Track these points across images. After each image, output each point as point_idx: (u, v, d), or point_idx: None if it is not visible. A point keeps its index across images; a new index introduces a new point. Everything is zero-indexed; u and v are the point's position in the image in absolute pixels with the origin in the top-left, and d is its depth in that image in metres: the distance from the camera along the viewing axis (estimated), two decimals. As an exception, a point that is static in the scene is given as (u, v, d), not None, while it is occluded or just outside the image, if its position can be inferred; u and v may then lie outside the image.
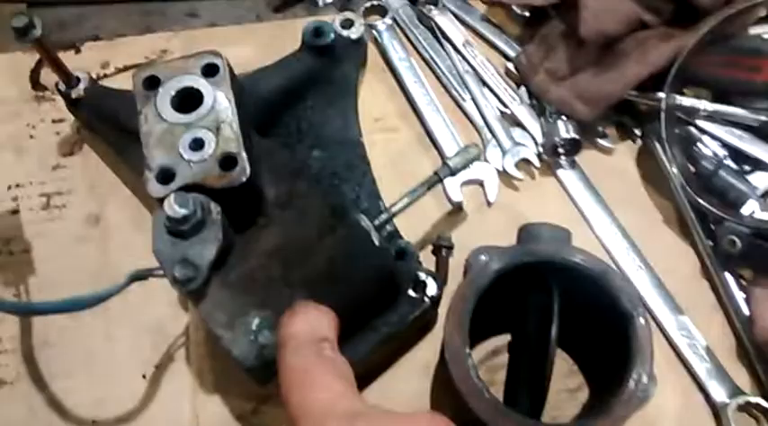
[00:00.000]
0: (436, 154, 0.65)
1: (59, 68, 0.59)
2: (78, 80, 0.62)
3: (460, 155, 0.55)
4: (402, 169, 0.64)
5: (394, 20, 0.69)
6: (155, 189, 0.48)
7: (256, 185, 0.50)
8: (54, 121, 0.67)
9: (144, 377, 0.57)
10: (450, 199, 0.62)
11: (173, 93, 0.51)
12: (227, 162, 0.49)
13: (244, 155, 0.49)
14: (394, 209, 0.53)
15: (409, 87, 0.66)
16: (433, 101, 0.66)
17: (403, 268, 0.54)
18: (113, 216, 0.63)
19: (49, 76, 0.69)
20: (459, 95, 0.66)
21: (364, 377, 0.55)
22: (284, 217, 0.50)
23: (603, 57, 0.61)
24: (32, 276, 0.61)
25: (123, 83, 0.64)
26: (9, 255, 0.61)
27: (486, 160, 0.63)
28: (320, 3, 0.72)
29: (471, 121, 0.66)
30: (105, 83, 0.66)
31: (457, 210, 0.62)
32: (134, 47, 0.70)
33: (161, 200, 0.48)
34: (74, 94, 0.61)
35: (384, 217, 0.52)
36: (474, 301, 0.49)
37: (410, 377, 0.57)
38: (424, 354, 0.58)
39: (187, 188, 0.48)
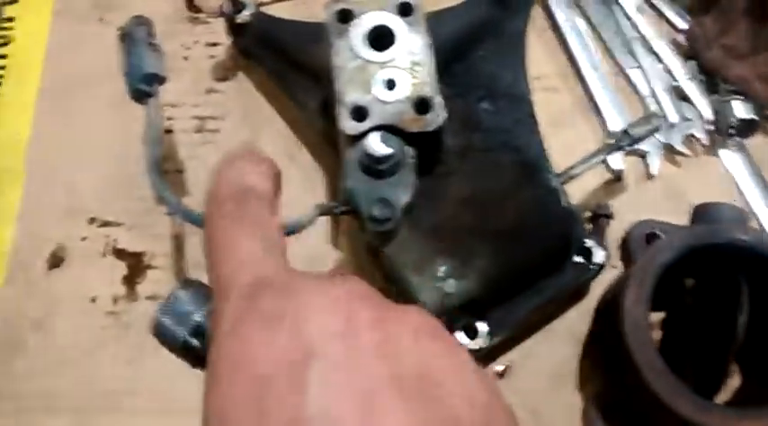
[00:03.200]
0: (596, 119, 0.63)
1: (234, -9, 0.59)
2: (244, 5, 0.61)
3: (642, 125, 0.54)
4: (561, 131, 0.62)
5: (561, -23, 0.67)
6: (349, 125, 0.47)
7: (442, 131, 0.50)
8: (208, 45, 0.66)
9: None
10: (610, 168, 0.60)
11: (367, 29, 0.50)
12: (422, 105, 0.48)
13: (439, 99, 0.48)
14: (572, 172, 0.52)
15: (573, 49, 0.64)
16: (597, 65, 0.64)
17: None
18: (267, 146, 0.62)
19: (203, -2, 0.69)
20: (626, 62, 0.64)
21: (513, 339, 0.55)
22: (468, 167, 0.50)
23: (793, 37, 0.58)
24: (185, 196, 0.61)
25: (280, 12, 0.64)
26: (163, 174, 0.62)
27: (650, 131, 0.61)
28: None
29: (636, 90, 0.63)
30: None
31: (616, 180, 0.60)
32: (288, -23, 0.69)
33: (354, 138, 0.47)
34: (239, 19, 0.60)
35: (563, 179, 0.51)
36: (658, 275, 0.48)
37: (557, 344, 0.56)
38: (572, 322, 0.57)
39: (379, 128, 0.47)
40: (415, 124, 0.47)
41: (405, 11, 0.50)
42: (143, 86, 0.52)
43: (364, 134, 0.47)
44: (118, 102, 0.64)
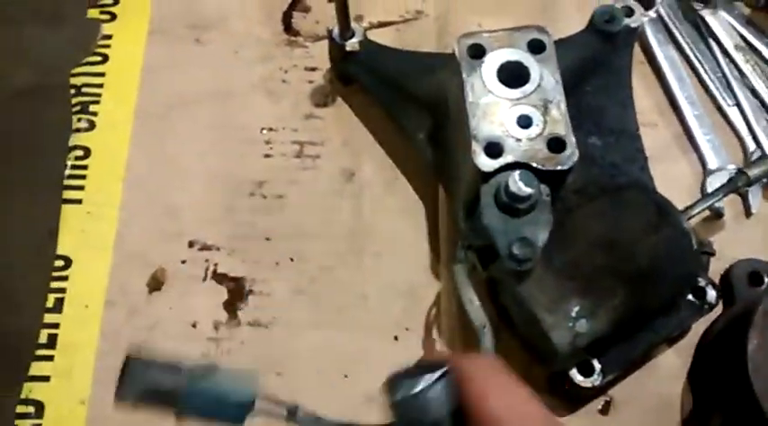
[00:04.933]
0: (694, 155, 0.63)
1: (345, 18, 0.59)
2: (353, 33, 0.61)
3: (759, 166, 0.54)
4: (658, 167, 0.62)
5: (657, 12, 0.68)
6: (483, 162, 0.47)
7: (569, 169, 0.50)
8: (307, 69, 0.66)
9: (396, 338, 0.57)
10: (711, 205, 0.60)
11: (498, 65, 0.50)
12: (556, 143, 0.48)
13: (572, 138, 0.48)
14: (692, 212, 0.52)
15: (671, 84, 0.65)
16: (695, 101, 0.64)
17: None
18: (367, 173, 0.62)
19: (299, 22, 0.69)
20: (724, 99, 0.64)
21: (619, 376, 0.55)
22: (595, 205, 0.50)
23: None
24: (284, 222, 0.61)
25: (377, 38, 0.64)
26: (262, 198, 0.61)
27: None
28: (577, -17, 0.70)
29: (733, 128, 0.64)
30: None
31: (716, 217, 0.61)
32: (388, 3, 0.69)
33: (488, 174, 0.47)
34: (348, 47, 0.60)
35: (685, 218, 0.52)
36: (780, 317, 0.48)
37: (658, 379, 0.56)
38: (672, 358, 0.57)
39: (513, 165, 0.47)
40: (549, 162, 0.47)
41: (536, 48, 0.50)
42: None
43: (498, 171, 0.47)
44: (216, 124, 0.64)
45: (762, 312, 0.49)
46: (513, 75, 0.50)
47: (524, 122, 0.48)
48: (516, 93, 0.49)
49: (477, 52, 0.50)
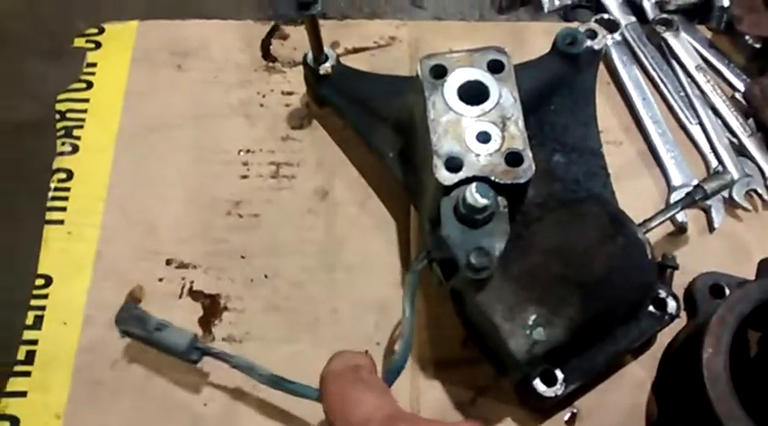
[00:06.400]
0: (659, 172, 0.65)
1: (318, 44, 0.61)
2: (327, 57, 0.63)
3: (715, 181, 0.56)
4: (623, 183, 0.63)
5: (622, 35, 0.70)
6: (444, 176, 0.49)
7: (528, 183, 0.52)
8: (284, 93, 0.69)
9: (367, 352, 0.58)
10: (674, 220, 0.62)
11: (459, 84, 0.52)
12: (514, 158, 0.50)
13: (529, 153, 0.50)
14: (650, 225, 0.54)
15: (636, 103, 0.67)
16: (660, 120, 0.67)
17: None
18: (340, 192, 0.64)
19: (277, 48, 0.72)
20: (687, 118, 0.66)
21: (583, 386, 0.56)
22: (553, 217, 0.52)
23: None
24: (259, 240, 0.62)
25: (352, 63, 0.66)
26: (238, 217, 0.63)
27: (712, 186, 0.64)
28: (545, 9, 0.73)
29: (696, 146, 0.66)
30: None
31: (679, 232, 0.62)
32: (363, 30, 0.72)
33: (448, 188, 0.49)
34: (322, 71, 0.63)
35: (642, 230, 0.53)
36: (735, 326, 0.49)
37: (623, 391, 0.57)
38: (637, 370, 0.58)
39: (472, 179, 0.49)
40: (506, 176, 0.49)
41: (495, 68, 0.52)
42: (193, 356, 0.54)
43: (457, 185, 0.49)
44: (195, 146, 0.67)
45: (716, 321, 0.50)
46: (473, 94, 0.52)
47: (483, 138, 0.50)
48: (476, 110, 0.51)
49: (439, 72, 0.53)
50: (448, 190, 0.49)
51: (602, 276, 0.49)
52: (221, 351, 0.54)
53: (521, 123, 0.51)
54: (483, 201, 0.46)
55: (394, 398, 0.44)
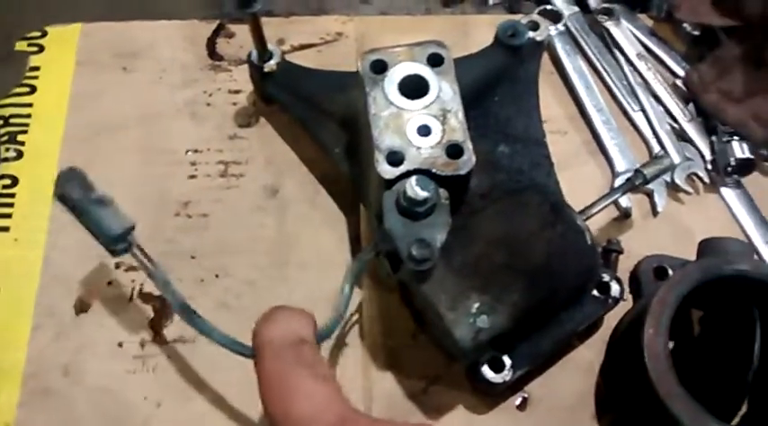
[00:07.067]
0: (603, 160, 0.67)
1: (261, 41, 0.61)
2: (271, 55, 0.63)
3: (654, 165, 0.57)
4: (569, 172, 0.64)
5: (565, 25, 0.71)
6: (385, 170, 0.50)
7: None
8: (230, 92, 0.68)
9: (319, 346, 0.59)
10: (618, 205, 0.63)
11: (400, 78, 0.53)
12: (454, 150, 0.50)
13: (469, 145, 0.51)
14: (591, 211, 0.55)
15: (579, 92, 0.68)
16: (603, 108, 0.68)
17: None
18: (290, 189, 0.64)
19: (223, 47, 0.71)
20: (630, 105, 0.68)
21: (532, 371, 0.57)
22: (496, 207, 0.52)
23: (785, 82, 0.63)
24: (209, 240, 0.62)
25: (299, 60, 0.67)
26: (187, 218, 0.63)
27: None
28: (490, 1, 0.74)
29: (639, 132, 0.67)
30: (282, 59, 0.68)
31: (624, 217, 0.64)
32: (309, 26, 0.72)
33: (390, 182, 0.50)
34: (266, 68, 0.63)
35: (583, 217, 0.54)
36: (675, 306, 0.51)
37: (573, 375, 0.58)
38: (586, 354, 0.59)
39: (414, 172, 0.50)
40: (447, 168, 0.50)
41: (435, 61, 0.53)
42: (119, 246, 0.50)
43: (399, 178, 0.49)
44: (142, 148, 0.66)
45: (656, 302, 0.51)
46: (414, 88, 0.53)
47: (424, 131, 0.51)
48: (416, 104, 0.52)
49: (380, 67, 0.53)
50: (390, 183, 0.50)
51: (544, 263, 0.50)
52: (147, 254, 0.51)
53: (461, 115, 0.51)
54: (423, 194, 0.47)
55: (340, 387, 0.39)
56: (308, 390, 0.37)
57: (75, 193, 0.49)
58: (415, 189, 0.47)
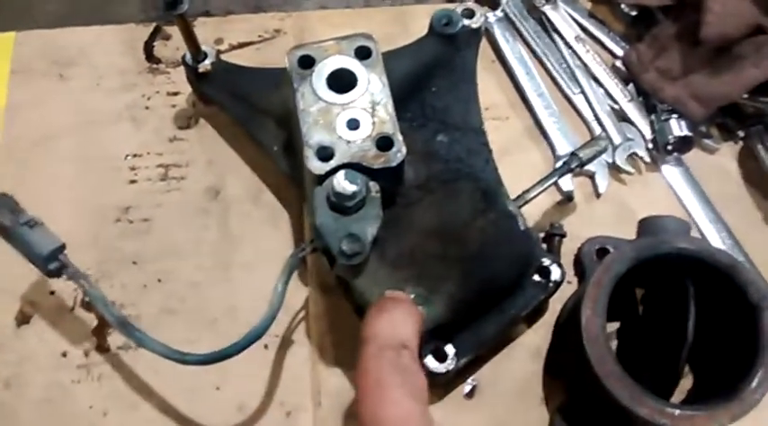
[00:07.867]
0: (545, 144, 0.67)
1: (193, 42, 0.60)
2: (205, 55, 0.62)
3: (590, 147, 0.57)
4: (511, 158, 0.65)
5: (503, 12, 0.71)
6: (315, 165, 0.49)
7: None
8: (169, 94, 0.68)
9: (266, 347, 0.58)
10: (560, 189, 0.64)
11: (328, 73, 0.52)
12: (384, 142, 0.50)
13: (399, 136, 0.50)
14: (527, 196, 0.55)
15: (520, 79, 0.68)
16: (544, 93, 0.68)
17: (530, 253, 0.56)
18: (232, 190, 0.64)
19: (161, 49, 0.70)
20: (570, 89, 0.68)
21: (479, 359, 0.57)
22: (430, 197, 0.52)
23: (719, 58, 0.63)
24: (151, 244, 0.62)
25: (238, 59, 0.66)
26: (128, 224, 0.62)
27: (596, 153, 0.65)
28: (428, -9, 0.73)
29: (580, 115, 0.67)
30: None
31: (567, 200, 0.64)
32: (247, 24, 0.71)
33: (321, 177, 0.49)
34: (201, 69, 0.62)
35: (519, 202, 0.54)
36: (611, 287, 0.51)
37: (521, 360, 0.59)
38: (534, 339, 0.59)
39: (344, 166, 0.49)
40: (378, 161, 0.50)
41: (363, 54, 0.53)
42: (51, 266, 0.52)
43: (330, 173, 0.49)
44: (80, 155, 0.65)
45: (593, 283, 0.51)
46: (342, 82, 0.52)
47: (353, 125, 0.51)
48: (345, 98, 0.52)
49: (307, 62, 0.53)
50: (321, 179, 0.49)
51: (477, 251, 0.50)
52: (80, 272, 0.52)
53: (390, 107, 0.51)
54: (351, 188, 0.47)
55: (427, 400, 0.42)
56: (396, 400, 0.40)
57: (6, 220, 0.51)
58: (342, 183, 0.47)
